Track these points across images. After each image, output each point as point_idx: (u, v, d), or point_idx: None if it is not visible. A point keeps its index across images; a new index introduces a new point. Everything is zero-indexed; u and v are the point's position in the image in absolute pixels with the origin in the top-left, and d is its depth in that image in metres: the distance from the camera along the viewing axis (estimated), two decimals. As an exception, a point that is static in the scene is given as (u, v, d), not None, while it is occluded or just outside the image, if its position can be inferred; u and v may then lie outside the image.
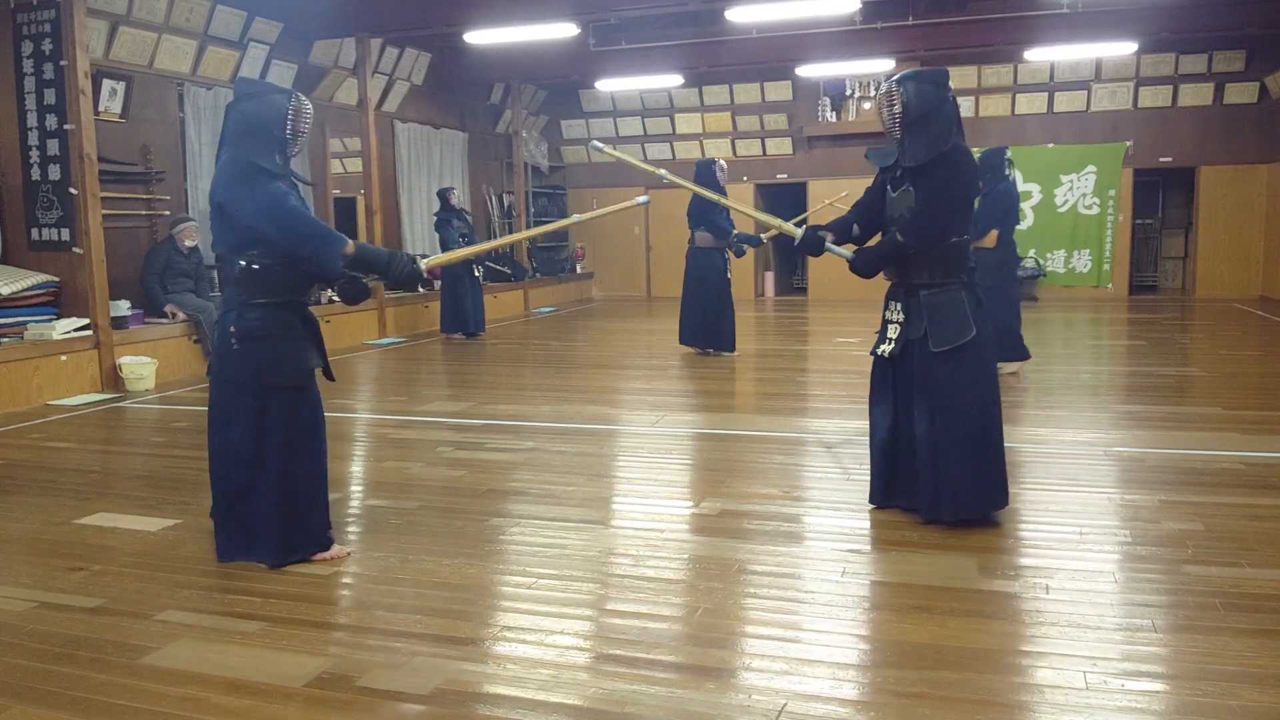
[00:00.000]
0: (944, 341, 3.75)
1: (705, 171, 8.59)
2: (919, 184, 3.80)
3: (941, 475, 3.77)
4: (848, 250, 4.03)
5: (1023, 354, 7.35)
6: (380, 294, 10.77)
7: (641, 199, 4.41)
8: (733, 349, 8.88)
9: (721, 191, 8.53)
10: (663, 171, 4.79)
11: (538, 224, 15.29)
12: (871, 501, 4.08)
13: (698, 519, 4.05)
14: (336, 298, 3.79)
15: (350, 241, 3.49)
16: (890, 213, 3.94)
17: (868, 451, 4.12)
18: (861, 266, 3.95)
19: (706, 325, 8.84)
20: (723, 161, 8.86)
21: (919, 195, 3.79)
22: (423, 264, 3.69)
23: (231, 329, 3.50)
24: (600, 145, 4.72)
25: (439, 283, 11.46)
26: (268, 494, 3.51)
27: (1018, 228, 13.46)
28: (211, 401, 3.63)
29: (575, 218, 4.76)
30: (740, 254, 8.80)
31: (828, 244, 4.04)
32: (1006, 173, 7.11)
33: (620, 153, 4.82)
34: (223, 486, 3.59)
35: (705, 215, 8.60)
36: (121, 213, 8.42)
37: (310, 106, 3.61)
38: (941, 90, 3.79)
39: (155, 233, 8.80)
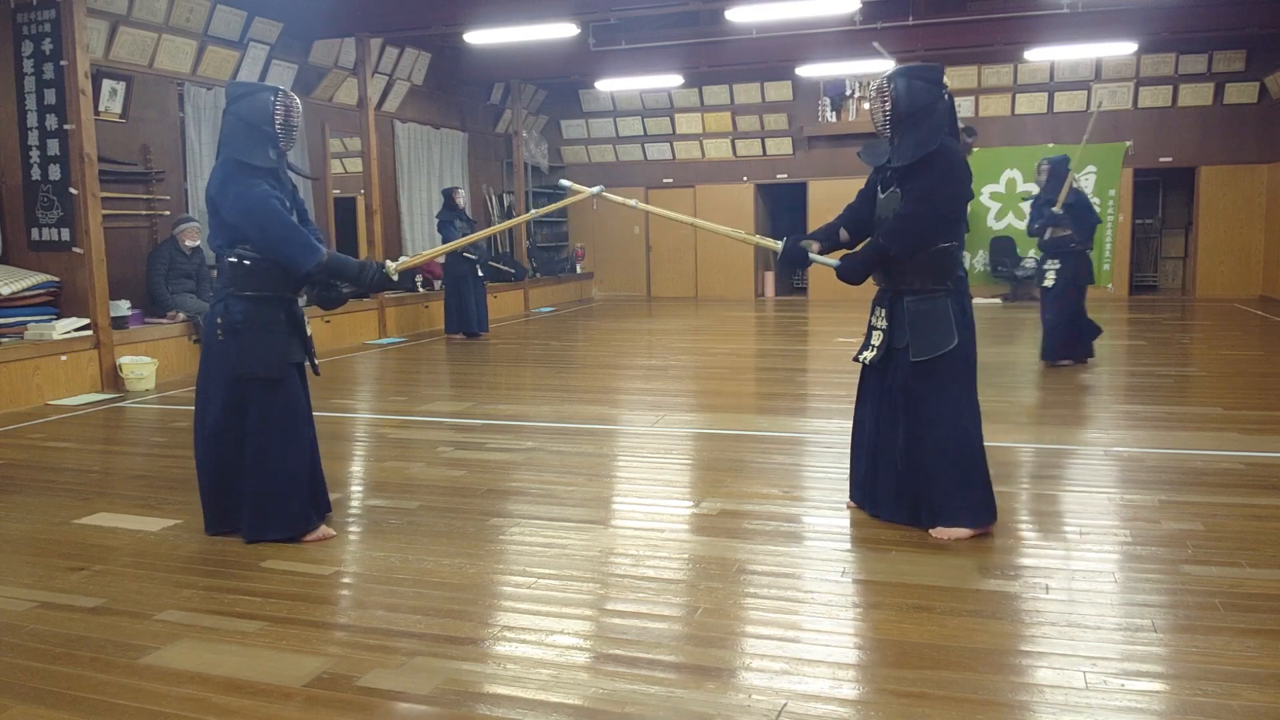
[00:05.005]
0: (924, 351, 3.65)
1: None
2: (906, 186, 3.68)
3: (922, 488, 3.73)
4: (834, 259, 3.91)
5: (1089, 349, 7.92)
6: (380, 295, 10.77)
7: (594, 189, 4.39)
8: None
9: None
10: (634, 201, 4.50)
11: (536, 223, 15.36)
12: (850, 499, 4.09)
13: (698, 519, 4.05)
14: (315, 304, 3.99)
15: (325, 252, 3.69)
16: (880, 214, 3.81)
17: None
18: (847, 273, 3.83)
19: None
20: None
21: (905, 198, 3.67)
22: (391, 267, 3.87)
23: (218, 320, 3.72)
24: (567, 183, 4.57)
25: (439, 283, 11.46)
26: (244, 476, 3.73)
27: (1020, 228, 13.75)
28: (197, 385, 3.85)
29: (533, 213, 4.92)
30: None
31: (812, 255, 3.94)
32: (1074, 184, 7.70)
33: (579, 188, 4.50)
34: (203, 465, 3.83)
35: None
36: (121, 213, 8.43)
37: (298, 101, 3.81)
38: (935, 88, 3.64)
39: (155, 233, 8.81)
